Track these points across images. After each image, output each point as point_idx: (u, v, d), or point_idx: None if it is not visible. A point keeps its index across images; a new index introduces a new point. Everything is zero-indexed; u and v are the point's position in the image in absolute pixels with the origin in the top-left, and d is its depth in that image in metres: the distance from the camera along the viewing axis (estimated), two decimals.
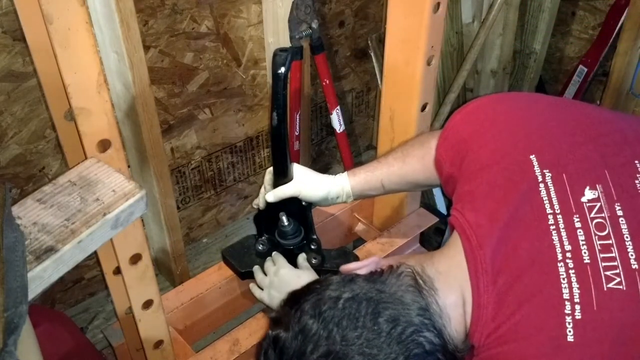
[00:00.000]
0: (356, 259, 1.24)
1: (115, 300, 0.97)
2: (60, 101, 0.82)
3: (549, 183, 0.75)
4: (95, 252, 0.76)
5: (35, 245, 0.68)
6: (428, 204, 1.52)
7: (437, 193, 1.63)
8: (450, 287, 0.78)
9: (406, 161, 1.10)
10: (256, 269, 1.16)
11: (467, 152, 0.87)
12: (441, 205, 1.63)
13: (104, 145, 0.77)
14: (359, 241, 1.46)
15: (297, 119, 1.60)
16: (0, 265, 0.62)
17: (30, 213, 0.72)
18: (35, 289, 0.66)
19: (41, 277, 0.66)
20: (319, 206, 1.19)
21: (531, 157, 0.78)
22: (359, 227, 1.47)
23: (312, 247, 1.20)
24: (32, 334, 0.67)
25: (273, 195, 1.12)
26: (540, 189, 0.75)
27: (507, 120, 0.87)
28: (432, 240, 1.41)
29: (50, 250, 0.67)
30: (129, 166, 1.36)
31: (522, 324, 0.71)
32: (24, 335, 0.61)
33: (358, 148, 2.03)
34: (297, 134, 1.62)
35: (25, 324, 0.61)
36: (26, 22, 0.79)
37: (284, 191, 1.11)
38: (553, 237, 0.72)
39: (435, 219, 1.40)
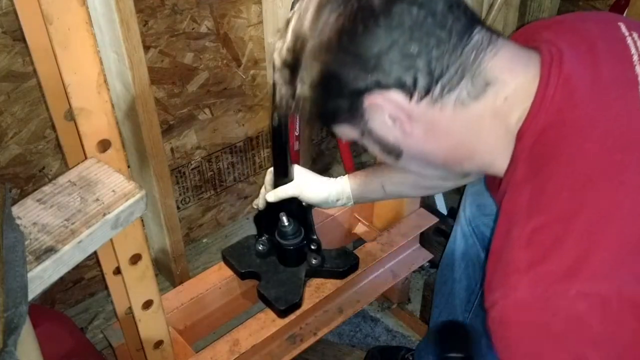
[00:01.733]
0: (356, 259, 1.24)
1: (115, 300, 0.97)
2: (60, 101, 0.82)
3: (635, 38, 0.71)
4: (95, 252, 0.76)
5: (35, 245, 0.68)
6: (428, 204, 1.52)
7: (438, 199, 1.63)
8: (506, 65, 0.67)
9: None
10: None
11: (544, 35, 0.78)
12: (441, 206, 1.63)
13: (104, 145, 0.77)
14: (359, 241, 1.46)
15: (297, 119, 1.59)
16: (0, 265, 0.62)
17: (30, 213, 0.72)
18: (35, 289, 0.66)
19: (41, 277, 0.66)
20: (320, 208, 1.19)
21: (619, 22, 0.74)
22: (359, 227, 1.47)
23: (312, 247, 1.20)
24: (32, 334, 0.67)
25: (274, 195, 1.12)
26: (627, 40, 0.71)
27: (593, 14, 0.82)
28: (432, 240, 1.41)
29: (50, 251, 0.67)
30: (128, 166, 1.36)
31: (592, 117, 0.64)
32: (24, 335, 0.61)
33: (358, 148, 2.03)
34: (297, 134, 1.62)
35: (25, 324, 0.61)
36: (26, 22, 0.79)
37: (285, 191, 1.11)
38: (636, 70, 0.68)
39: (435, 219, 1.40)
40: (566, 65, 0.66)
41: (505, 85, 0.67)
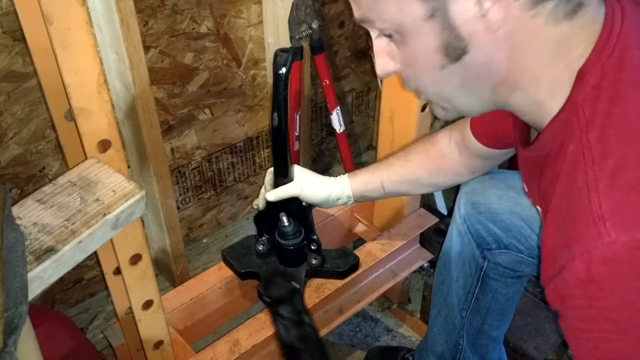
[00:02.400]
0: (356, 259, 1.24)
1: (115, 300, 0.97)
2: (60, 101, 0.82)
3: None
4: (95, 253, 0.76)
5: (35, 245, 0.68)
6: (428, 204, 1.52)
7: (437, 194, 1.63)
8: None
9: (408, 158, 1.10)
10: None
11: None
12: (441, 206, 1.63)
13: (104, 145, 0.77)
14: (359, 242, 1.46)
15: (297, 120, 1.59)
16: (1, 265, 0.62)
17: (30, 213, 0.72)
18: (35, 289, 0.66)
19: (41, 277, 0.66)
20: (320, 207, 1.19)
21: None
22: (359, 227, 1.47)
23: (313, 247, 1.20)
24: (32, 334, 0.67)
25: (274, 194, 1.12)
26: None
27: None
28: (432, 240, 1.40)
29: (50, 251, 0.67)
30: (129, 166, 1.36)
31: None
32: (24, 335, 0.61)
33: (358, 148, 2.03)
34: (297, 134, 1.62)
35: (25, 324, 0.61)
36: (26, 22, 0.79)
37: (286, 191, 1.11)
38: None
39: (435, 220, 1.40)
40: (627, 8, 0.64)
41: (589, 12, 0.62)
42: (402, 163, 1.10)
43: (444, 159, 1.07)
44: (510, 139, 0.84)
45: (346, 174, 1.14)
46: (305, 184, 1.12)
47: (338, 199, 1.13)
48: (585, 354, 0.64)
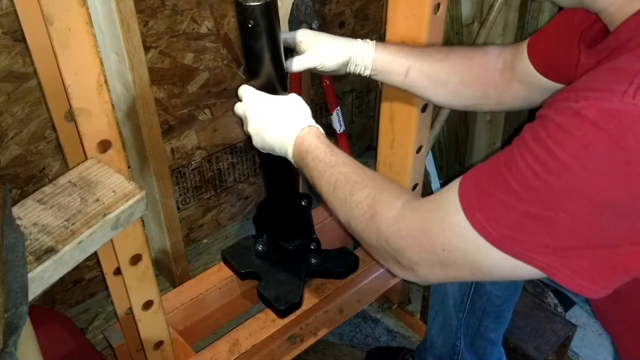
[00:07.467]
0: (356, 259, 1.25)
1: (115, 300, 0.97)
2: (61, 102, 0.82)
3: None
4: (95, 253, 0.76)
5: (35, 245, 0.68)
6: None
7: (434, 183, 1.63)
8: None
9: (450, 56, 1.03)
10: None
11: None
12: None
13: (104, 145, 0.77)
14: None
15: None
16: (1, 265, 0.62)
17: (30, 214, 0.72)
18: (35, 290, 0.66)
19: (41, 277, 0.66)
20: (337, 74, 1.07)
21: None
22: None
23: (312, 247, 1.20)
24: (33, 335, 0.67)
25: (296, 65, 1.01)
26: None
27: None
28: None
29: (50, 251, 0.67)
30: (129, 167, 1.36)
31: None
32: (24, 335, 0.61)
33: (358, 149, 2.03)
34: None
35: (25, 325, 0.61)
36: (26, 22, 0.80)
37: (306, 64, 1.01)
38: None
39: None
40: None
41: None
42: (442, 57, 1.03)
43: (484, 71, 1.01)
44: (564, 69, 0.81)
45: (374, 41, 1.04)
46: (323, 49, 1.01)
47: (356, 65, 1.03)
48: (505, 161, 0.62)
